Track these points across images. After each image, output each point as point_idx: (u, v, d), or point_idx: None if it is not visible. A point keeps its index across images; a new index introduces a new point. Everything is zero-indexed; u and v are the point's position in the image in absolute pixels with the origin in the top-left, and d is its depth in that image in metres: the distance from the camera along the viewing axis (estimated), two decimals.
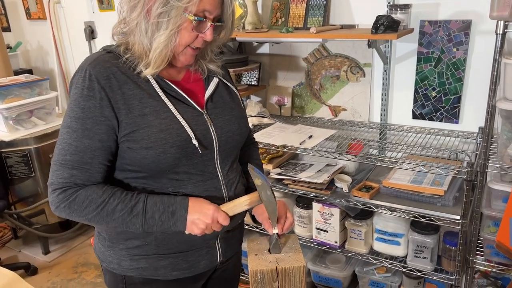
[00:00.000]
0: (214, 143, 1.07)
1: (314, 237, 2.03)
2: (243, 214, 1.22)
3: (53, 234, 2.85)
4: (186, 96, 1.05)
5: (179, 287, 1.15)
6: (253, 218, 1.25)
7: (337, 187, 1.95)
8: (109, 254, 1.11)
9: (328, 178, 1.94)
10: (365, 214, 1.91)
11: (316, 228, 2.01)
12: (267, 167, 2.12)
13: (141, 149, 0.97)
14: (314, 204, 1.99)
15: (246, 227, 2.18)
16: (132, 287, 1.13)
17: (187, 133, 1.00)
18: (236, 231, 1.22)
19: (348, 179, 1.98)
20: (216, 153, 1.08)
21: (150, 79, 1.01)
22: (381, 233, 1.88)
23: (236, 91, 1.20)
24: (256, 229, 2.13)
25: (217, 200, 1.08)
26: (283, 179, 2.04)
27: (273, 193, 1.07)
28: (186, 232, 1.04)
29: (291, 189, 1.99)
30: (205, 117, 1.06)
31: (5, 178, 2.58)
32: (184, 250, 1.10)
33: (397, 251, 1.86)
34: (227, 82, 1.18)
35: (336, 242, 1.97)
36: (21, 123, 2.61)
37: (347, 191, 1.90)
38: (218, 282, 1.29)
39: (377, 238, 1.90)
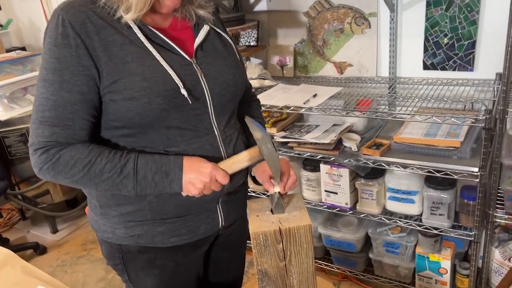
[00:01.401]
0: (207, 95, 0.97)
1: (323, 200, 1.95)
2: (245, 175, 1.13)
3: (60, 213, 2.81)
4: (173, 44, 0.94)
5: (179, 254, 1.08)
6: (254, 179, 1.16)
7: (345, 146, 1.85)
8: (103, 222, 1.04)
9: (335, 138, 1.83)
10: (376, 173, 1.81)
11: (325, 191, 1.93)
12: (270, 130, 2.02)
13: (124, 100, 0.88)
14: (322, 166, 1.90)
15: (253, 194, 2.11)
16: (129, 256, 1.06)
17: (174, 82, 0.90)
18: (238, 193, 1.14)
19: (357, 137, 1.87)
20: (210, 106, 0.98)
21: (131, 24, 0.90)
22: (394, 192, 1.78)
23: (229, 40, 1.09)
24: (263, 196, 2.05)
25: (214, 159, 0.99)
26: (288, 142, 1.94)
27: (275, 147, 0.97)
28: (184, 194, 0.95)
29: (297, 152, 1.89)
30: (195, 67, 0.96)
31: (5, 159, 2.53)
32: (182, 215, 1.02)
33: (412, 209, 1.77)
34: (219, 30, 1.07)
35: (346, 204, 1.89)
36: (16, 101, 2.53)
37: (356, 150, 1.80)
38: (223, 248, 1.22)
39: (389, 197, 1.81)
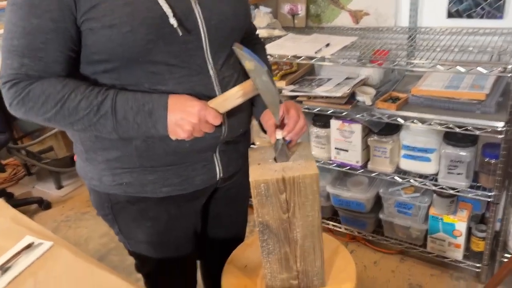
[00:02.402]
0: (201, 27, 0.85)
1: (333, 158, 1.85)
2: (246, 123, 1.03)
3: (64, 169, 2.77)
4: None
5: (173, 206, 1.00)
6: (262, 127, 1.05)
7: (358, 100, 1.73)
8: (89, 169, 0.95)
9: (348, 91, 1.71)
10: (391, 129, 1.70)
11: (335, 148, 1.83)
12: (279, 84, 1.89)
13: (104, 28, 0.77)
14: (333, 122, 1.79)
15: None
16: (118, 206, 0.98)
17: (161, 9, 0.79)
18: (239, 144, 1.04)
19: (372, 91, 1.75)
20: (205, 41, 0.87)
21: None
22: (409, 149, 1.67)
23: None
24: None
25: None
26: (297, 96, 1.82)
27: (271, 79, 0.86)
28: (172, 138, 0.86)
29: (306, 107, 1.78)
30: None
31: (6, 112, 2.45)
32: (175, 163, 0.93)
33: (427, 168, 1.66)
34: None
35: (357, 162, 1.79)
36: None
37: (370, 103, 1.68)
38: (223, 202, 1.13)
39: (404, 155, 1.70)
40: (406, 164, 1.71)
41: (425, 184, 1.65)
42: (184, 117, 0.81)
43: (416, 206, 1.78)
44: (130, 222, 1.00)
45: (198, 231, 1.11)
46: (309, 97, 1.79)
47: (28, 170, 2.97)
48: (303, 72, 2.00)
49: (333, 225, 2.04)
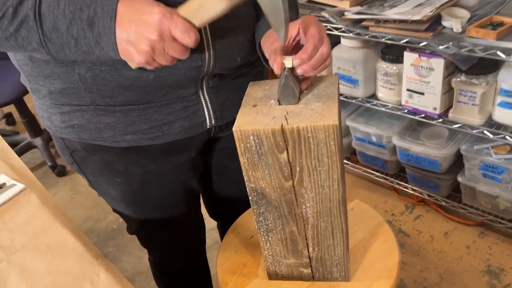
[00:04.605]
0: None
1: (404, 103, 1.47)
2: (249, 47, 0.72)
3: None
4: None
5: (145, 159, 0.76)
6: (263, 56, 0.73)
7: (444, 26, 1.30)
8: (38, 104, 0.75)
9: (430, 13, 1.28)
10: (486, 67, 1.27)
11: (408, 90, 1.44)
12: (341, 4, 1.51)
13: None
14: (407, 55, 1.38)
15: None
16: (78, 155, 0.77)
17: None
18: (242, 79, 0.75)
19: (465, 14, 1.30)
20: None
21: None
22: (509, 96, 1.24)
23: None
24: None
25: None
26: (362, 19, 1.43)
27: None
28: (131, 65, 0.60)
29: (372, 34, 1.39)
30: None
31: None
32: (139, 102, 0.68)
33: None
34: None
35: (435, 109, 1.39)
36: None
37: (460, 30, 1.24)
38: (229, 156, 0.85)
39: (501, 103, 1.26)
40: (503, 116, 1.28)
41: None
42: (139, 31, 0.54)
43: (509, 170, 1.36)
44: (98, 175, 0.79)
45: (196, 187, 0.87)
46: (377, 22, 1.39)
47: None
48: None
49: (398, 183, 1.70)
